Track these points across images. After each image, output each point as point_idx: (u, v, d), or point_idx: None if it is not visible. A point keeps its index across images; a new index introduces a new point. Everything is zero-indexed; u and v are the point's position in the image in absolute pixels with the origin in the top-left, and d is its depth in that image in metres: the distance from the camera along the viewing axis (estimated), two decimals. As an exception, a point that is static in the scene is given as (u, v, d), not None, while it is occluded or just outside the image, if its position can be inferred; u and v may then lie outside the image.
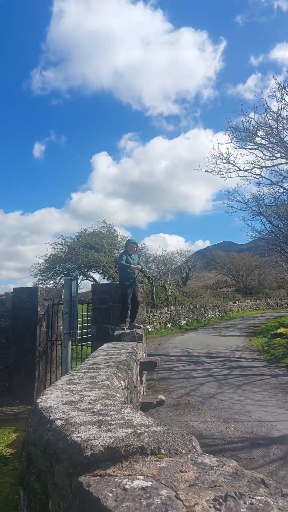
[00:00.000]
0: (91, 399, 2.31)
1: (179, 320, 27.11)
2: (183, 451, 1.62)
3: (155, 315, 24.69)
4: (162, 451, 1.60)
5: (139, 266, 7.45)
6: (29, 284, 27.23)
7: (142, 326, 7.78)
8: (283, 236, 18.62)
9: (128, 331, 6.94)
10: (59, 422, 1.87)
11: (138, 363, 5.68)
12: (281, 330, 17.72)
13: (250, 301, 44.14)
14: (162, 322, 25.24)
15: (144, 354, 7.60)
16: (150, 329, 22.96)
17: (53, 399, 2.32)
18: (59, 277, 24.22)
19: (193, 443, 1.69)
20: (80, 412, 2.03)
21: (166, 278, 31.46)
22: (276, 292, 53.93)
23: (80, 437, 1.65)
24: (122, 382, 3.12)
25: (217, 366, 11.28)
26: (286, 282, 53.58)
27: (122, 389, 3.10)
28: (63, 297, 7.65)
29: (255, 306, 43.45)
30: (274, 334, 17.07)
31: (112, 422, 1.84)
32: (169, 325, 25.64)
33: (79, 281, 25.93)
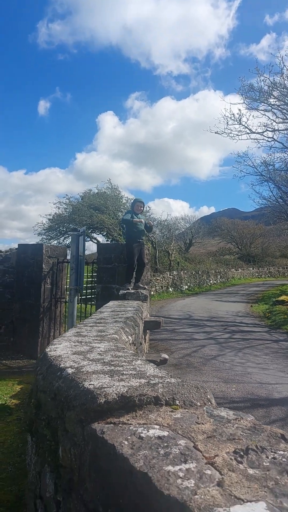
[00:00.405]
0: (100, 350, 2.26)
1: (181, 285, 27.27)
2: (198, 404, 1.57)
3: (157, 279, 24.80)
4: (177, 402, 1.54)
5: (142, 220, 7.33)
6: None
7: (146, 287, 7.76)
8: (291, 203, 18.31)
9: (133, 291, 6.91)
10: (70, 370, 1.81)
11: (143, 321, 5.69)
12: (283, 297, 17.79)
13: (253, 268, 44.22)
14: (164, 286, 25.40)
15: (148, 314, 7.63)
16: (152, 292, 23.14)
17: (62, 349, 2.28)
18: (63, 237, 24.18)
19: (208, 396, 1.64)
20: (90, 362, 1.98)
21: (169, 243, 31.37)
22: (279, 260, 53.94)
23: (93, 384, 1.60)
24: (129, 337, 3.08)
25: (218, 330, 11.38)
26: (290, 251, 53.51)
27: (130, 344, 3.07)
28: (69, 253, 7.58)
29: (257, 274, 43.57)
30: (276, 301, 17.15)
31: (124, 373, 1.79)
32: (171, 290, 25.82)
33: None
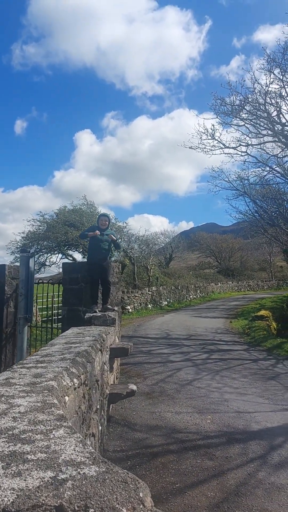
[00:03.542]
0: (19, 411, 1.76)
1: (160, 301, 26.77)
2: (124, 510, 1.09)
3: (136, 296, 24.23)
4: (91, 512, 1.06)
5: (98, 232, 6.73)
6: (9, 262, 26.38)
7: (116, 308, 7.26)
8: (267, 217, 18.22)
9: (100, 314, 6.41)
10: None
11: (108, 350, 5.17)
12: (262, 312, 17.53)
13: (232, 282, 44.16)
14: (143, 303, 24.83)
15: (117, 338, 7.10)
16: (130, 310, 22.54)
17: None
18: (37, 255, 23.44)
19: (140, 495, 1.15)
20: (-7, 436, 1.47)
21: (148, 258, 30.95)
22: (258, 274, 54.29)
23: None
24: (75, 380, 2.58)
25: (196, 350, 10.90)
26: (268, 264, 53.92)
27: (75, 388, 2.57)
28: (19, 276, 6.95)
29: (236, 288, 43.50)
30: (255, 317, 16.85)
31: (29, 457, 1.29)
32: (150, 306, 25.27)
33: (57, 259, 25.22)
